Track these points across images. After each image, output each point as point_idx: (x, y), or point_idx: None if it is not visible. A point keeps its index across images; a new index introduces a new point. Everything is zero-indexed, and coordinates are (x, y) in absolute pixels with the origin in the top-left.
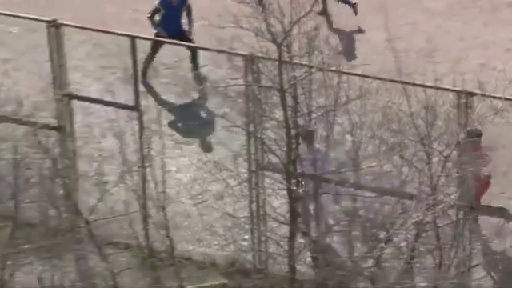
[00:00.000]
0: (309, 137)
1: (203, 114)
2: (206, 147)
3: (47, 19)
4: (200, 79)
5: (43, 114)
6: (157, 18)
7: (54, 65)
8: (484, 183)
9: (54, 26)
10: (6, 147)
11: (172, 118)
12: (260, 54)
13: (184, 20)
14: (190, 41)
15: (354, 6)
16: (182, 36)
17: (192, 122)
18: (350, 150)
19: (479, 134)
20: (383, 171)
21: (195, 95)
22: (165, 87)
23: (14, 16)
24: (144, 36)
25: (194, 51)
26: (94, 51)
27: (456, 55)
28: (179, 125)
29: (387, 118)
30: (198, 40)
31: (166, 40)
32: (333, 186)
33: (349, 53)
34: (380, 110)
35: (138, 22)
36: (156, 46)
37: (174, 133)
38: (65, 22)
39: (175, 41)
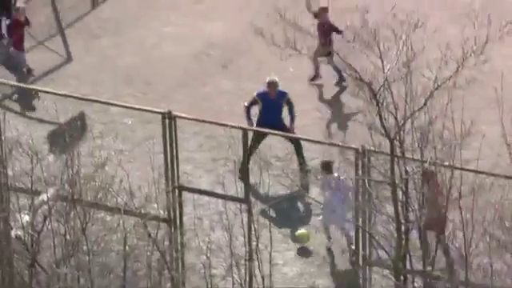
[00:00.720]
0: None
1: (313, 208)
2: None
3: (162, 111)
4: (306, 172)
5: (154, 206)
6: (256, 109)
7: (167, 156)
8: None
9: (168, 117)
10: (116, 239)
11: (281, 210)
12: (372, 148)
13: (285, 114)
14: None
15: (341, 78)
16: (281, 131)
17: (299, 214)
18: (461, 247)
19: None
20: (494, 269)
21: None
22: (275, 179)
23: (130, 107)
24: (256, 128)
25: (298, 145)
26: (206, 143)
27: None
28: (287, 217)
29: (500, 214)
30: (311, 132)
31: (269, 131)
32: (442, 283)
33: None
34: (493, 206)
35: None
36: (257, 138)
37: (282, 226)
38: (179, 114)
39: (283, 133)
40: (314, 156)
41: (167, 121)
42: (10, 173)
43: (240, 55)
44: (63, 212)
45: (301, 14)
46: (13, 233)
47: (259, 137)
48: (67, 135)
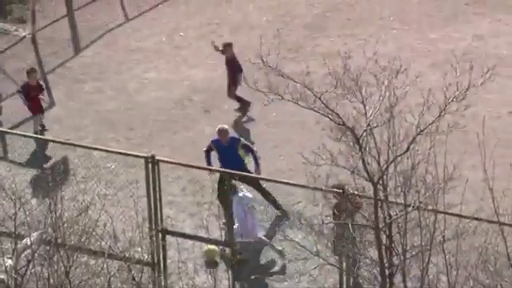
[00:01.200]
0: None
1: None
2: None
3: (145, 155)
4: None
5: (138, 250)
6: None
7: (150, 200)
8: None
9: (151, 162)
10: (100, 282)
11: (266, 254)
12: (355, 192)
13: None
14: (256, 181)
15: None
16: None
17: (284, 260)
18: None
19: None
20: None
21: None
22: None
23: (113, 152)
24: (240, 172)
25: (263, 193)
26: (189, 187)
27: None
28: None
29: (483, 258)
30: (295, 177)
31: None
32: None
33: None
34: (476, 250)
35: None
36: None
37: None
38: (162, 158)
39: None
40: (297, 200)
41: (150, 165)
42: None
43: (222, 100)
44: (47, 256)
45: (283, 59)
46: None
47: (221, 183)
48: (50, 179)
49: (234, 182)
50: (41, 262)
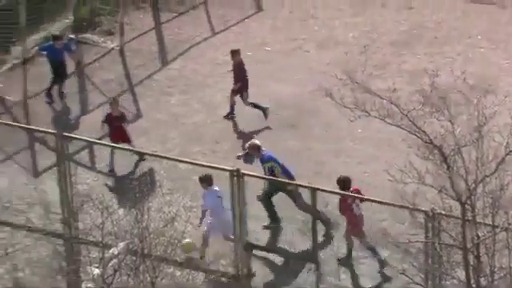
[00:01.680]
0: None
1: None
2: None
3: (230, 169)
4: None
5: (222, 263)
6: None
7: (235, 213)
8: None
9: (236, 175)
10: None
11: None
12: (442, 211)
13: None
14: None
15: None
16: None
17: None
18: None
19: None
20: None
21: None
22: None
23: (198, 165)
24: (325, 189)
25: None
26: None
27: None
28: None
29: None
30: (381, 194)
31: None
32: None
33: None
34: None
35: (318, 174)
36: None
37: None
38: (247, 172)
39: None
40: (383, 217)
41: (235, 178)
42: (80, 226)
43: (308, 115)
44: (133, 266)
45: (369, 76)
46: (83, 285)
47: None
48: (137, 190)
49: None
50: (127, 271)
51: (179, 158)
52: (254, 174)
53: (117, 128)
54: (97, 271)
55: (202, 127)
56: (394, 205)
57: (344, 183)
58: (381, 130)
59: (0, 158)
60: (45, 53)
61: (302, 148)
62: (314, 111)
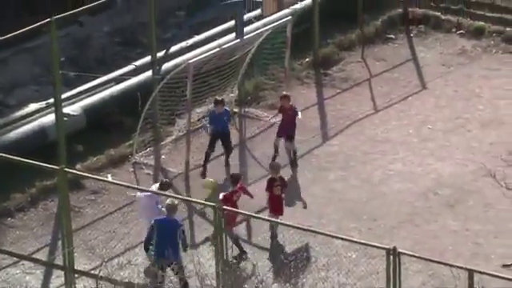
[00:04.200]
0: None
1: None
2: None
3: (387, 247)
4: None
5: None
6: None
7: None
8: None
9: (393, 254)
10: None
11: None
12: None
13: None
14: None
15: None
16: None
17: None
18: None
19: None
20: None
21: None
22: None
23: (354, 242)
24: (482, 270)
25: None
26: (429, 281)
27: None
28: None
29: None
30: None
31: None
32: None
33: None
34: None
35: (477, 255)
36: None
37: None
38: (404, 251)
39: None
40: None
41: (391, 257)
42: None
43: (468, 195)
44: None
45: None
46: None
47: None
48: (292, 266)
49: None
50: None
51: (335, 234)
52: (411, 252)
53: (277, 198)
54: None
55: (358, 204)
56: None
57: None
58: None
59: None
60: (207, 122)
61: (460, 228)
62: (474, 191)
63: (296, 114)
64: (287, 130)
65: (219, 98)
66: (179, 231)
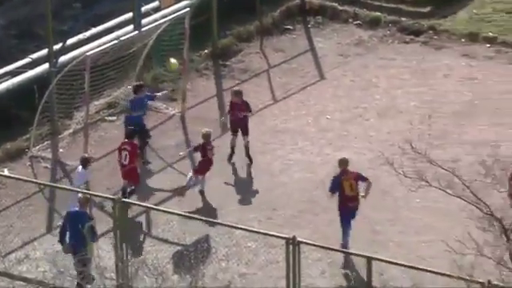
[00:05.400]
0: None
1: None
2: None
3: (286, 236)
4: None
5: None
6: None
7: (289, 282)
8: None
9: (292, 243)
10: None
11: None
12: (500, 284)
13: None
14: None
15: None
16: None
17: None
18: None
19: None
20: None
21: None
22: None
23: (254, 232)
24: (380, 258)
25: None
26: (328, 270)
27: None
28: None
29: None
30: (437, 265)
31: None
32: None
33: None
34: None
35: (374, 242)
36: None
37: None
38: (303, 240)
39: None
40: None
41: (291, 246)
42: None
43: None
44: None
45: (429, 145)
46: None
47: None
48: (193, 257)
49: None
50: None
51: (235, 225)
52: (310, 241)
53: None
54: None
55: (258, 194)
56: (450, 276)
57: None
58: (438, 200)
59: (58, 222)
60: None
61: (358, 216)
62: (371, 180)
63: (249, 108)
64: (241, 125)
65: (139, 83)
66: (87, 225)
